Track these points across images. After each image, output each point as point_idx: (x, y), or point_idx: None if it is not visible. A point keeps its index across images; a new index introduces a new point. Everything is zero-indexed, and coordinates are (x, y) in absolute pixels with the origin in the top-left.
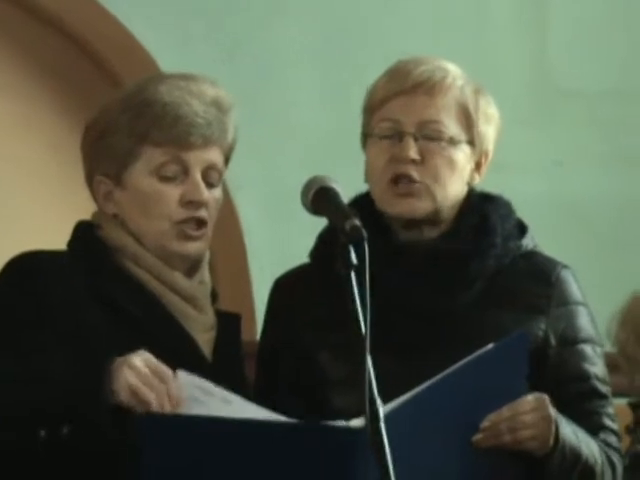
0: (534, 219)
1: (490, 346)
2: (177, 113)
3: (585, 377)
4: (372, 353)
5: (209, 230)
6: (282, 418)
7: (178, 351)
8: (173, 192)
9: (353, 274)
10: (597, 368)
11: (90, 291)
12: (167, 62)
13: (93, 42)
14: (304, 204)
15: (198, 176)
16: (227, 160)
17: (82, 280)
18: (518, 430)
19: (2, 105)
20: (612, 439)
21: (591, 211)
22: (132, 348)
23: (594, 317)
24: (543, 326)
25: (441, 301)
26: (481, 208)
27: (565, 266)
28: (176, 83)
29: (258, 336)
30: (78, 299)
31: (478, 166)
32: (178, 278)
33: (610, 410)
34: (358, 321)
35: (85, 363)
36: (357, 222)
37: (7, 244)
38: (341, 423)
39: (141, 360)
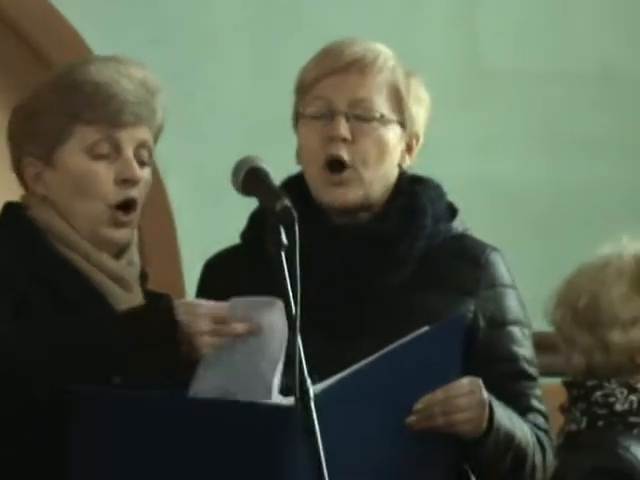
0: (464, 201)
1: (425, 328)
2: (109, 92)
3: (513, 358)
4: (303, 333)
5: (138, 212)
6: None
7: None
8: (106, 171)
9: (283, 255)
10: (525, 350)
11: (25, 272)
12: (98, 44)
13: (24, 25)
14: (234, 185)
15: (131, 154)
16: (155, 142)
17: (15, 262)
18: (452, 413)
19: None
20: (540, 420)
21: (520, 193)
22: None
23: (522, 299)
24: (472, 308)
25: (371, 283)
26: (411, 190)
27: (494, 249)
28: (105, 64)
29: None
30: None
31: (409, 148)
32: (106, 259)
33: (538, 392)
34: (288, 301)
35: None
36: (287, 203)
37: None
38: (271, 402)
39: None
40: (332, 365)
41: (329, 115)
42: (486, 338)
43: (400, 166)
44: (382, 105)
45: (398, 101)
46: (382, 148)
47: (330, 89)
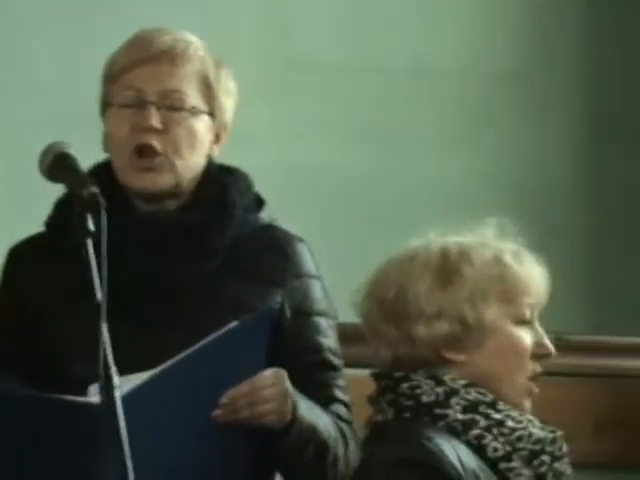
0: (274, 191)
1: (234, 323)
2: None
3: (318, 349)
4: (111, 323)
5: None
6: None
7: None
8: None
9: (90, 242)
10: (330, 340)
11: None
12: None
13: None
14: (41, 170)
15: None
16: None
17: None
18: (257, 405)
19: None
20: (343, 411)
21: (330, 184)
22: None
23: (327, 290)
24: (279, 298)
25: (179, 273)
26: (220, 180)
27: (300, 239)
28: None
29: None
30: None
31: (217, 138)
32: None
33: (341, 382)
34: (94, 290)
35: None
36: (95, 189)
37: None
38: (81, 398)
39: None
40: (142, 356)
41: (139, 104)
42: (292, 328)
43: (209, 156)
44: (192, 96)
45: (208, 91)
46: (193, 138)
47: (141, 79)
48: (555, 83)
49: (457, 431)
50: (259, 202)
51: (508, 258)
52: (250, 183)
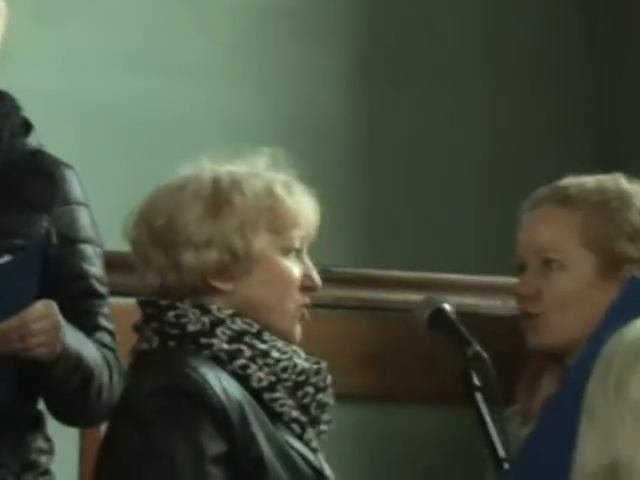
0: (47, 116)
1: (4, 259)
2: None
3: (83, 276)
4: None
5: None
6: None
7: None
8: None
9: None
10: (96, 268)
11: None
12: None
13: None
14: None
15: None
16: None
17: None
18: (28, 337)
19: None
20: (107, 339)
21: (102, 110)
22: None
23: (94, 217)
24: (46, 224)
25: None
26: None
27: (68, 166)
28: None
29: None
30: None
31: None
32: None
33: (106, 310)
34: None
35: None
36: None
37: None
38: None
39: None
40: None
41: None
42: (58, 255)
43: None
44: None
45: None
46: None
47: None
48: (329, 18)
49: (222, 361)
50: (27, 126)
51: (279, 189)
52: (17, 106)
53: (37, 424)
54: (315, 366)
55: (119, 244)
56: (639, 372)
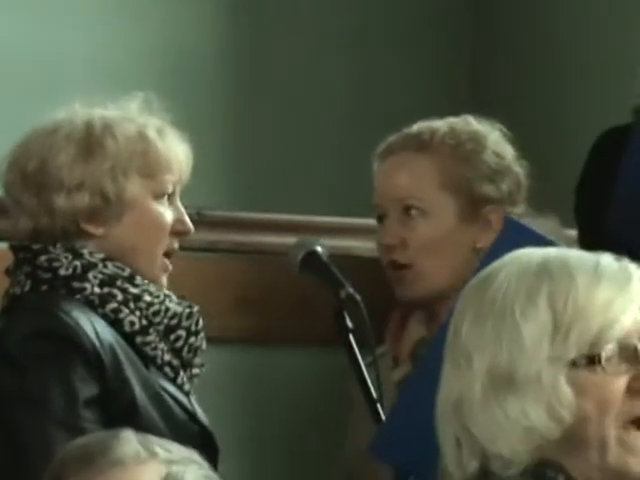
0: None
1: None
2: None
3: None
4: None
5: None
6: None
7: None
8: None
9: None
10: None
11: None
12: None
13: None
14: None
15: None
16: None
17: None
18: None
19: None
20: None
21: None
22: None
23: None
24: None
25: None
26: None
27: None
28: None
29: None
30: None
31: None
32: None
33: None
34: None
35: None
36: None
37: None
38: None
39: None
40: None
41: None
42: None
43: None
44: None
45: None
46: None
47: None
48: None
49: (94, 305)
50: None
51: (151, 134)
52: None
53: None
54: (187, 310)
55: None
56: (467, 317)
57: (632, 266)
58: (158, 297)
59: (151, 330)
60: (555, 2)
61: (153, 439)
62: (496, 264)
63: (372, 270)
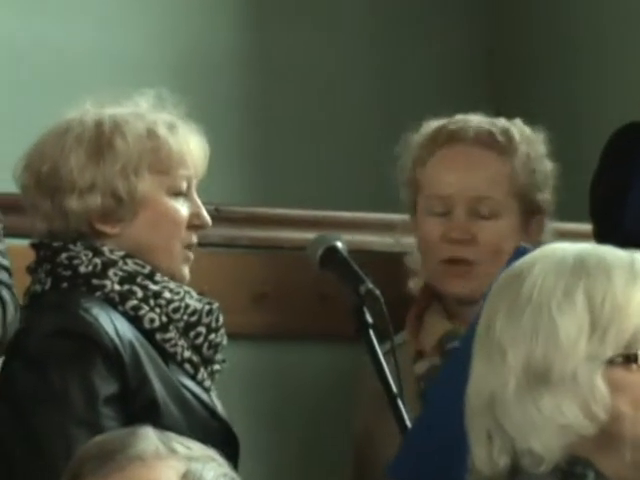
0: None
1: None
2: None
3: None
4: None
5: None
6: None
7: None
8: None
9: None
10: None
11: None
12: None
13: None
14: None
15: None
16: None
17: None
18: None
19: None
20: (4, 275)
21: None
22: None
23: None
24: None
25: None
26: None
27: None
28: None
29: None
30: None
31: None
32: None
33: (1, 247)
34: None
35: None
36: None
37: None
38: None
39: None
40: None
41: None
42: None
43: None
44: None
45: None
46: None
47: None
48: None
49: (114, 302)
50: None
51: (162, 130)
52: None
53: None
54: (207, 306)
55: (13, 185)
56: (501, 313)
57: None
58: (178, 294)
59: (171, 327)
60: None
61: (172, 436)
62: (527, 259)
63: (393, 266)
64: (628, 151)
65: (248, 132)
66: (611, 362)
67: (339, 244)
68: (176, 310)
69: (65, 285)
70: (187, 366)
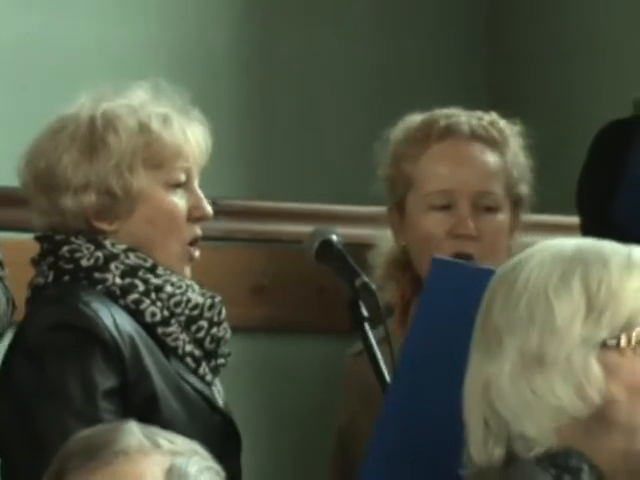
0: None
1: None
2: None
3: None
4: None
5: None
6: None
7: None
8: None
9: None
10: None
11: None
12: None
13: None
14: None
15: None
16: None
17: None
18: None
19: None
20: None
21: None
22: None
23: None
24: None
25: None
26: None
27: None
28: None
29: None
30: None
31: None
32: None
33: None
34: None
35: None
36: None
37: None
38: None
39: None
40: None
41: None
42: None
43: None
44: None
45: None
46: None
47: None
48: None
49: (115, 295)
50: None
51: (155, 124)
52: None
53: None
54: (209, 300)
55: (14, 179)
56: (498, 301)
57: None
58: (180, 288)
59: (172, 321)
60: None
61: (156, 431)
62: (525, 252)
63: None
64: (613, 148)
65: (247, 125)
66: (605, 345)
67: (335, 237)
68: (178, 304)
69: (67, 278)
70: (188, 360)
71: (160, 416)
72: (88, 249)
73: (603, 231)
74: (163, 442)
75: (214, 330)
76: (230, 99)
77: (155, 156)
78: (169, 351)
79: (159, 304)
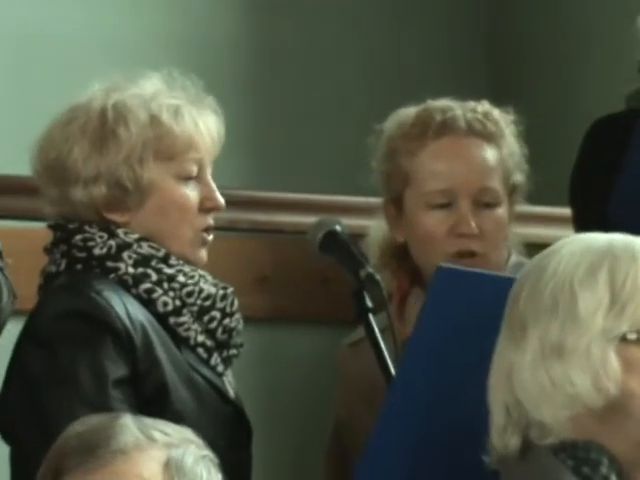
0: None
1: None
2: None
3: None
4: None
5: None
6: None
7: None
8: None
9: None
10: None
11: None
12: None
13: None
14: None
15: None
16: None
17: None
18: None
19: None
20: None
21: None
22: None
23: None
24: None
25: None
26: None
27: None
28: None
29: None
30: None
31: None
32: None
33: None
34: None
35: None
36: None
37: None
38: None
39: None
40: None
41: None
42: None
43: None
44: None
45: None
46: None
47: None
48: None
49: (128, 284)
50: None
51: (165, 116)
52: None
53: None
54: (222, 291)
55: (27, 168)
56: (525, 290)
57: None
58: (192, 278)
59: (184, 311)
60: None
61: (149, 422)
62: (557, 243)
63: None
64: (608, 142)
65: (249, 116)
66: (625, 339)
67: (339, 228)
68: (190, 294)
69: (79, 267)
70: (200, 350)
71: (171, 406)
72: (101, 238)
73: (596, 226)
74: (158, 435)
75: (226, 321)
76: (231, 88)
77: (166, 149)
78: (181, 341)
79: (171, 294)
